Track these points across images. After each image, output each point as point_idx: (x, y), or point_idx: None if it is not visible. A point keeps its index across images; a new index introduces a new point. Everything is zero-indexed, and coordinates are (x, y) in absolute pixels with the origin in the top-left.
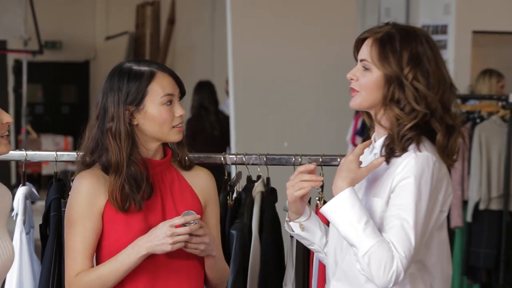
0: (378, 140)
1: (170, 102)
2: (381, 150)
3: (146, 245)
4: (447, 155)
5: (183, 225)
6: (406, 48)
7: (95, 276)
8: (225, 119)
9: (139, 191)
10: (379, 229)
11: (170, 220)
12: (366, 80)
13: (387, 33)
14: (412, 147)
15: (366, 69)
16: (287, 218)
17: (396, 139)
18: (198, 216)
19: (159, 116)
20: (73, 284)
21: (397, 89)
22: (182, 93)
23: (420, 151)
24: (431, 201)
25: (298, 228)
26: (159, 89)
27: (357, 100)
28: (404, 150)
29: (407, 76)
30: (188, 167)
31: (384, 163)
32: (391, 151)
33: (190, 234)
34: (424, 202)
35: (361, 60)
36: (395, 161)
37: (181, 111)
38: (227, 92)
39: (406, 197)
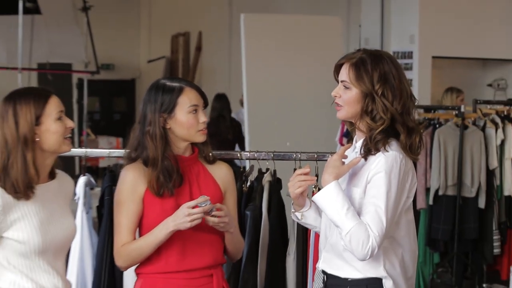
0: (359, 141)
1: (195, 111)
2: (360, 150)
3: (172, 223)
4: (410, 151)
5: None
6: (375, 69)
7: (134, 247)
8: (237, 125)
9: (171, 180)
10: (358, 212)
11: (187, 203)
12: (347, 97)
13: (360, 58)
14: (383, 147)
15: (346, 88)
16: (292, 210)
17: (369, 142)
18: (208, 197)
19: (187, 122)
20: (118, 252)
21: (370, 102)
22: (206, 104)
23: (387, 151)
24: (399, 189)
25: (300, 217)
26: (186, 100)
27: (342, 113)
28: (377, 150)
29: (377, 91)
30: (211, 161)
31: (363, 160)
32: (368, 151)
33: (207, 213)
34: (393, 191)
35: (342, 81)
36: (370, 158)
37: (204, 118)
38: (241, 103)
39: (378, 187)
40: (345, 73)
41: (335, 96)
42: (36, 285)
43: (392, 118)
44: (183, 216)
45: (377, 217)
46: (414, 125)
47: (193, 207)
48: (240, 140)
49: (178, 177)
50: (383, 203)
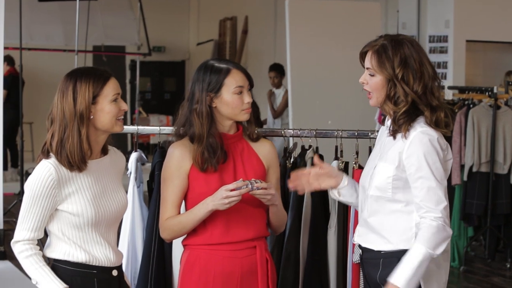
0: (389, 120)
1: (241, 92)
2: (389, 128)
3: (211, 203)
4: (437, 126)
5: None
6: (396, 54)
7: (177, 221)
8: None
9: (215, 156)
10: (382, 187)
11: (225, 186)
12: (373, 83)
13: (382, 45)
14: (414, 125)
15: (371, 75)
16: (332, 190)
17: (394, 124)
18: (246, 182)
19: (232, 102)
20: (162, 226)
21: (393, 87)
22: (251, 85)
23: (415, 130)
24: (442, 165)
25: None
26: (233, 81)
27: (373, 100)
28: (403, 130)
29: (397, 76)
30: (255, 139)
31: (391, 138)
32: (394, 131)
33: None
34: (438, 167)
35: (367, 68)
36: (400, 136)
37: (249, 99)
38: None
39: (422, 168)
40: (368, 60)
41: (363, 83)
42: (89, 255)
43: (413, 100)
44: (221, 198)
45: (434, 196)
46: (438, 103)
47: (231, 190)
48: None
49: (222, 154)
50: (433, 181)
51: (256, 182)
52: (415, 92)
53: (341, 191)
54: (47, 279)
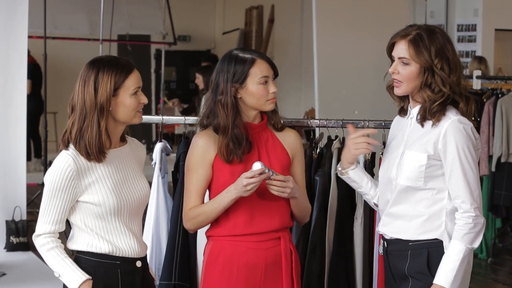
0: (414, 108)
1: (266, 82)
2: (417, 116)
3: (234, 191)
4: (468, 116)
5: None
6: (433, 43)
7: (200, 211)
8: None
9: (240, 147)
10: (416, 176)
11: (244, 173)
12: (406, 73)
13: (417, 34)
14: (447, 114)
15: (405, 64)
16: (339, 167)
17: (427, 112)
18: (263, 167)
19: (257, 92)
20: (186, 215)
21: (430, 76)
22: (276, 75)
23: (450, 118)
24: (476, 155)
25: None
26: (258, 72)
27: (402, 89)
28: (436, 119)
29: (436, 65)
30: (280, 129)
31: (420, 126)
32: (423, 118)
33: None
34: (473, 158)
35: (400, 58)
36: (430, 124)
37: (274, 88)
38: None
39: (461, 159)
40: (403, 49)
41: (393, 73)
42: (112, 246)
43: (451, 89)
44: (242, 186)
45: (469, 185)
46: (467, 93)
47: (251, 177)
48: None
49: (247, 144)
50: (469, 170)
51: (274, 174)
52: (453, 82)
53: (351, 173)
54: (70, 271)
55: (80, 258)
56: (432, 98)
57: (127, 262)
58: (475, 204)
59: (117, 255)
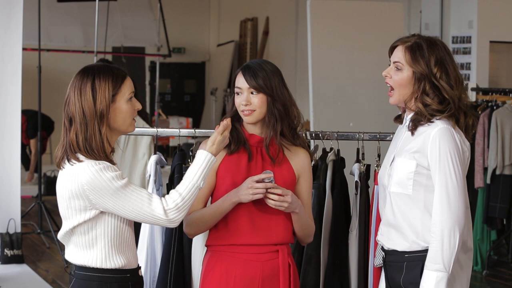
0: (408, 116)
1: (239, 93)
2: (408, 124)
3: (235, 194)
4: (465, 132)
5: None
6: (432, 53)
7: (200, 215)
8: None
9: (232, 140)
10: (404, 182)
11: (252, 176)
12: (398, 78)
13: (416, 42)
14: (435, 121)
15: (398, 69)
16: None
17: (419, 116)
18: (272, 174)
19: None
20: (186, 220)
21: (428, 85)
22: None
23: (437, 126)
24: (462, 165)
25: None
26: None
27: (395, 98)
28: (420, 123)
29: (435, 75)
30: (291, 146)
31: (409, 133)
32: (415, 126)
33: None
34: (460, 166)
35: (394, 62)
36: (420, 132)
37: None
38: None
39: (445, 168)
40: (399, 54)
41: (386, 76)
42: (125, 260)
43: (453, 101)
44: (246, 188)
45: (448, 195)
46: (466, 109)
47: (258, 182)
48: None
49: (240, 143)
50: (452, 179)
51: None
52: (455, 96)
53: None
54: (195, 163)
55: (94, 277)
56: (432, 104)
57: (134, 273)
58: (449, 218)
59: (127, 268)
